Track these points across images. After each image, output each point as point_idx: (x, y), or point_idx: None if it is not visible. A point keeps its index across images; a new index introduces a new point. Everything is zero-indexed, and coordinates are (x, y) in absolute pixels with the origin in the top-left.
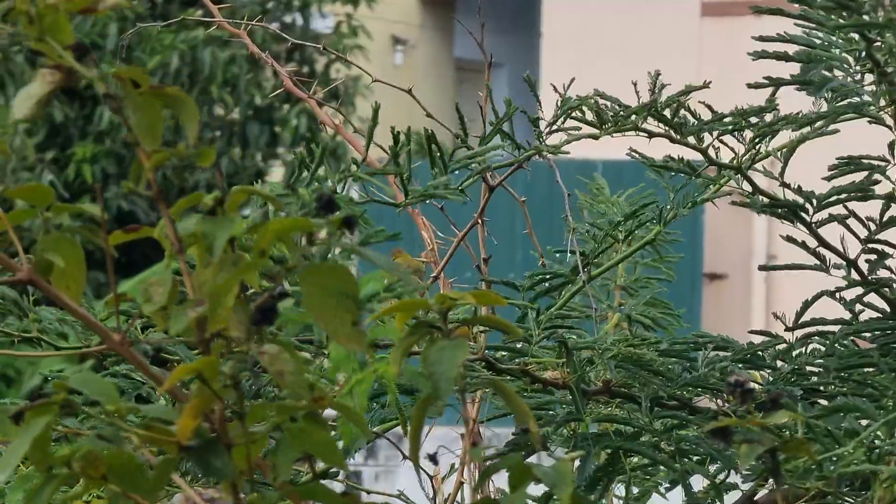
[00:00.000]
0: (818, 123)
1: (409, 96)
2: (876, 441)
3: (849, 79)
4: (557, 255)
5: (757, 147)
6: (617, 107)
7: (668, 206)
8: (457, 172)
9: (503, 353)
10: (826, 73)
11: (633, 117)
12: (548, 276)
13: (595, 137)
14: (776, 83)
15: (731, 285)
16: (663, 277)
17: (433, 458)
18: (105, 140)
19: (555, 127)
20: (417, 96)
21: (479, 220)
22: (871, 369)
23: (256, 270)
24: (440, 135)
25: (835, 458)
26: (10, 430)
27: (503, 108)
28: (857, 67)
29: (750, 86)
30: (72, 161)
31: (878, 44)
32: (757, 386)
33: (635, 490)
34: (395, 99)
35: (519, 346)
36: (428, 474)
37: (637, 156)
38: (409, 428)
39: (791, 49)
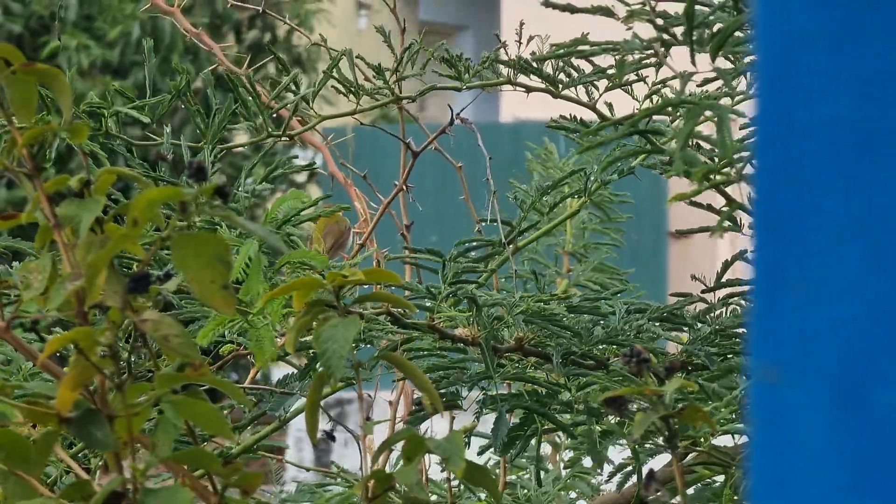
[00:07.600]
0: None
1: (368, 59)
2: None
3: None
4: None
5: (654, 101)
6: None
7: (592, 178)
8: None
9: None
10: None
11: (507, 72)
12: (474, 244)
13: (457, 89)
14: None
15: (696, 242)
16: (611, 243)
17: (330, 435)
18: None
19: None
20: (381, 60)
21: (404, 187)
22: None
23: (130, 240)
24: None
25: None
26: None
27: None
28: None
29: None
30: None
31: None
32: (677, 347)
33: (566, 456)
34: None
35: (428, 303)
36: (358, 442)
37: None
38: (306, 403)
39: None
